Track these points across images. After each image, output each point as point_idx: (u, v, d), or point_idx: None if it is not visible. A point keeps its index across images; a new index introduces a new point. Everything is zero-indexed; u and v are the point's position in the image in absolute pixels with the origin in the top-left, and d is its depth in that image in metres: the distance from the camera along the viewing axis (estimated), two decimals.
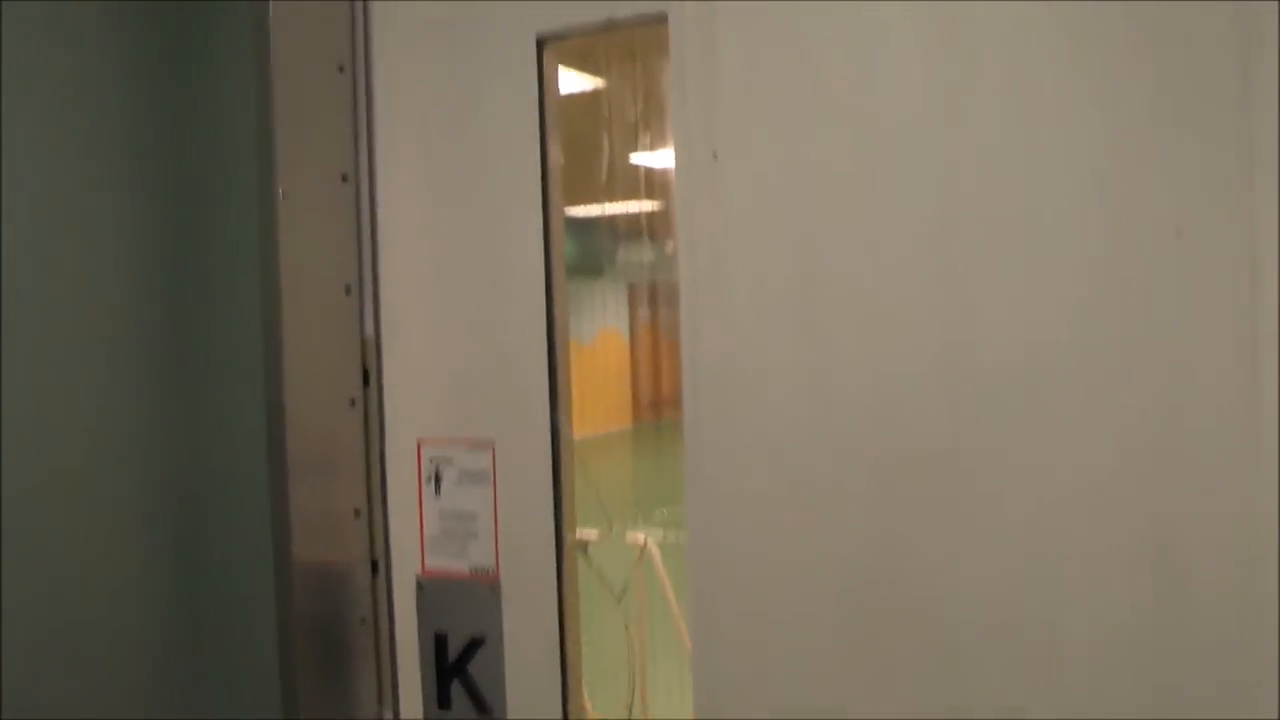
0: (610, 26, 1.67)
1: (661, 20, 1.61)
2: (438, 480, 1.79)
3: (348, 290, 1.81)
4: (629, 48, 1.74)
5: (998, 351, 1.42)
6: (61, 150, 1.72)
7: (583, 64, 1.94)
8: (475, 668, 1.77)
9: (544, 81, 1.72)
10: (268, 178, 1.71)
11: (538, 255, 1.71)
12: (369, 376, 1.83)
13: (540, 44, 1.71)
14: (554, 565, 1.71)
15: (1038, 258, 1.39)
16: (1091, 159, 1.37)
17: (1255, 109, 1.29)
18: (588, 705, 1.93)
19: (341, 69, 1.83)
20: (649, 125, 1.72)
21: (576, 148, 1.77)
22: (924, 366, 1.45)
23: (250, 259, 1.76)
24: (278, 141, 1.71)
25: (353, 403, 1.80)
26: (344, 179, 1.81)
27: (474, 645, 1.77)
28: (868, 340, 1.48)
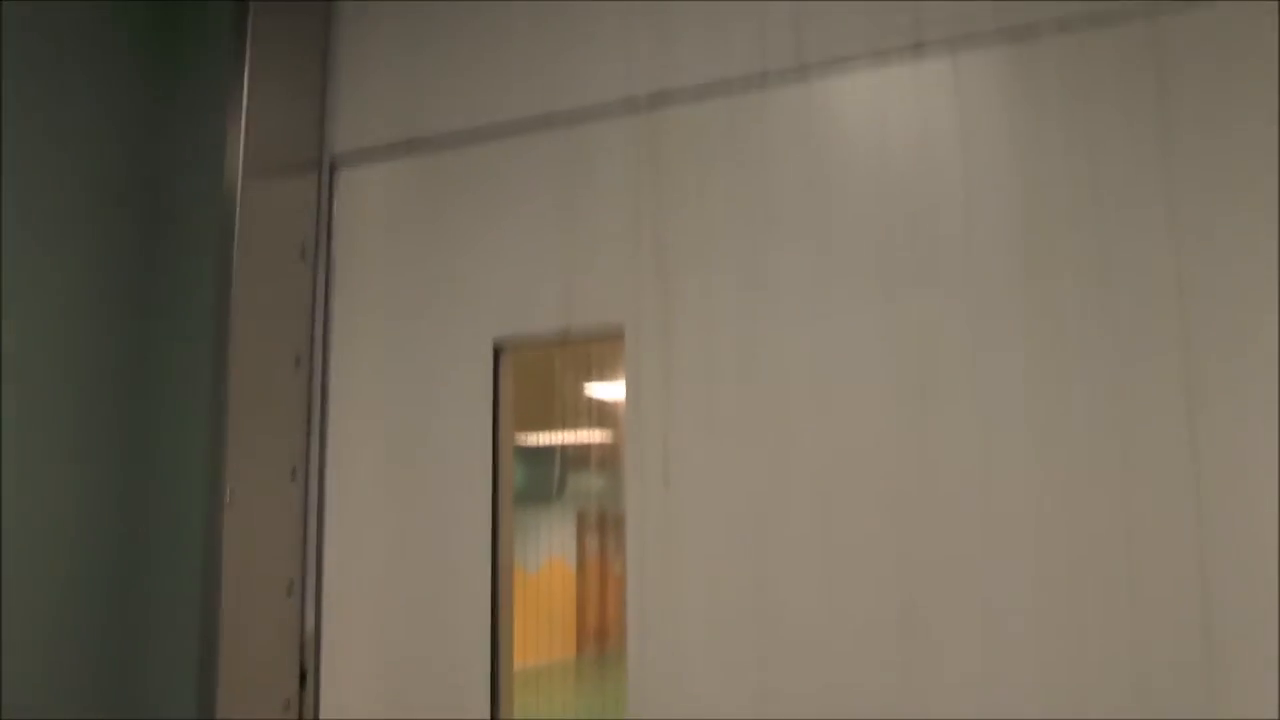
0: (565, 339, 1.74)
1: (618, 334, 1.68)
2: None
3: (289, 589, 1.80)
4: (585, 353, 1.81)
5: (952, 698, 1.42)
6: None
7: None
8: None
9: (499, 381, 1.79)
10: (218, 478, 1.71)
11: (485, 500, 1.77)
12: (305, 676, 1.79)
13: (497, 350, 1.79)
14: None
15: (995, 599, 1.42)
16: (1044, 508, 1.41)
17: (1203, 458, 1.35)
18: None
19: (298, 361, 1.87)
20: (603, 364, 1.78)
21: (528, 380, 1.85)
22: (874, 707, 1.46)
23: (194, 561, 1.75)
24: (229, 440, 1.72)
25: (287, 705, 1.75)
26: (293, 475, 1.82)
27: None
28: (816, 670, 1.49)
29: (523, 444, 1.87)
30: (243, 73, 1.90)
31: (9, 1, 1.78)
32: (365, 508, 1.85)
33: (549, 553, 1.96)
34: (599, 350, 1.80)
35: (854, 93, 1.61)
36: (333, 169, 2.02)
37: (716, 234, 1.66)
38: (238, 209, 1.83)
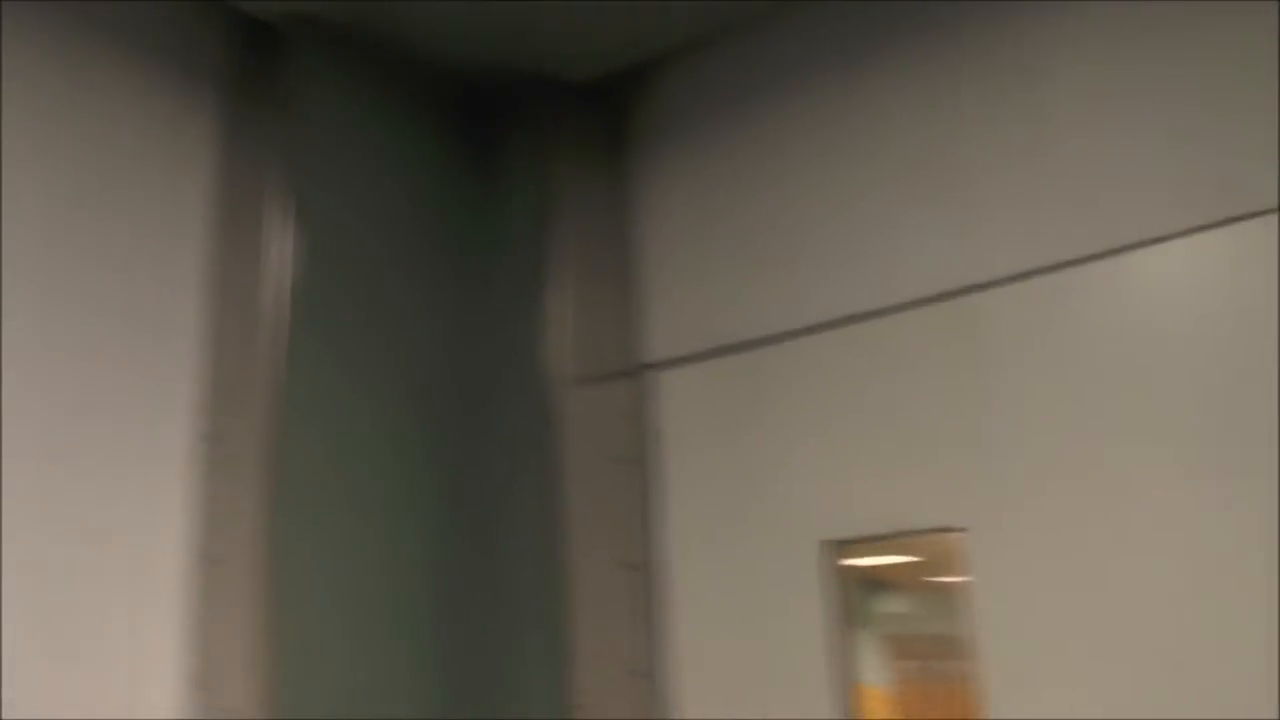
0: (896, 538, 1.78)
1: (949, 532, 1.71)
2: None
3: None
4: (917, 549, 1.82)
5: None
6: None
7: None
8: None
9: (831, 582, 1.82)
10: (563, 684, 1.88)
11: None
12: None
13: (827, 551, 1.83)
14: None
15: None
16: None
17: None
18: None
19: (632, 566, 1.98)
20: (936, 562, 1.80)
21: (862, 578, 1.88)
22: None
23: None
24: (573, 646, 1.89)
25: None
26: (635, 676, 1.94)
27: None
28: None
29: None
30: (564, 282, 2.04)
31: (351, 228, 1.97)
32: (710, 708, 1.90)
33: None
34: (931, 546, 1.81)
35: (1166, 267, 1.63)
36: (647, 374, 2.10)
37: (1038, 424, 1.67)
38: (563, 433, 1.97)
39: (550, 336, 2.03)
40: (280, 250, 1.81)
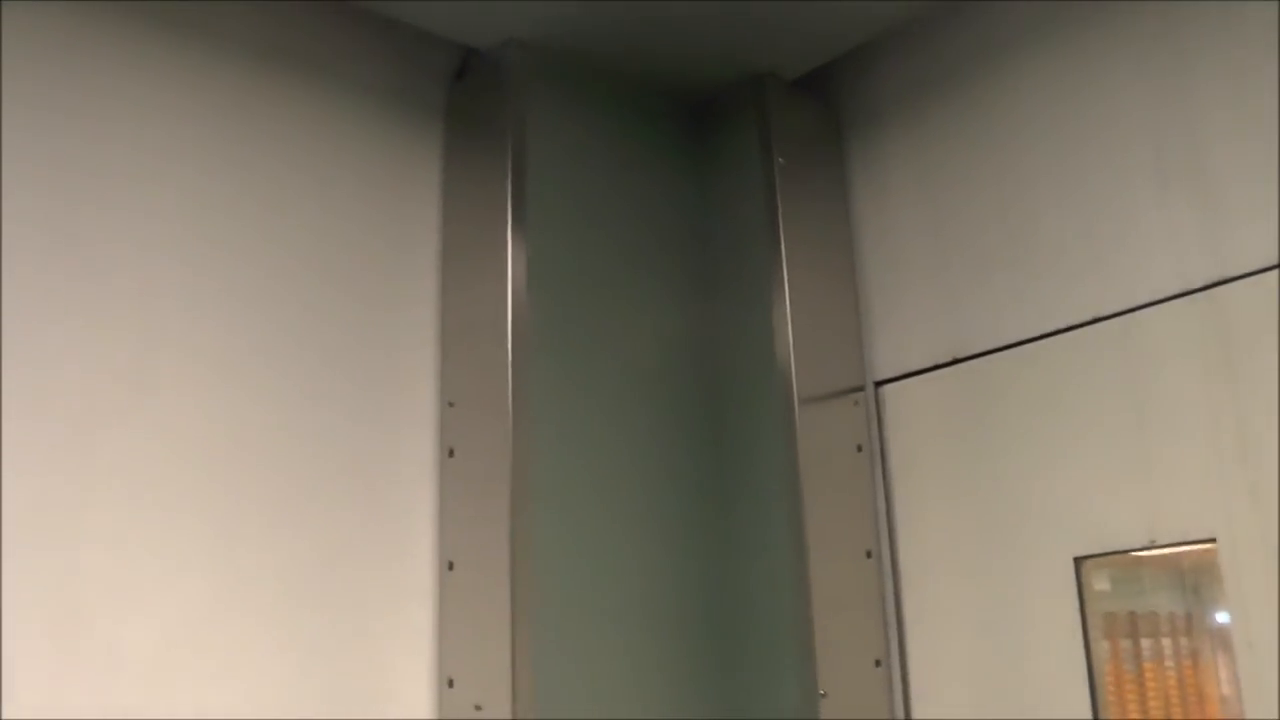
0: (1150, 551, 1.71)
1: (1208, 543, 1.63)
2: None
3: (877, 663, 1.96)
4: (1174, 563, 1.76)
5: None
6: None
7: None
8: None
9: (1083, 593, 1.77)
10: (809, 673, 1.89)
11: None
12: None
13: (1078, 563, 1.78)
14: None
15: None
16: None
17: None
18: None
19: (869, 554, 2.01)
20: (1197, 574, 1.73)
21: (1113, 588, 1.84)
22: None
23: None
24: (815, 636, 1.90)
25: None
26: (877, 664, 1.98)
27: None
28: None
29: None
30: (784, 302, 2.05)
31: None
32: (952, 703, 1.90)
33: None
34: (1191, 559, 1.74)
35: None
36: (878, 387, 2.10)
37: None
38: (797, 433, 1.98)
39: (779, 352, 2.03)
40: (512, 267, 1.87)
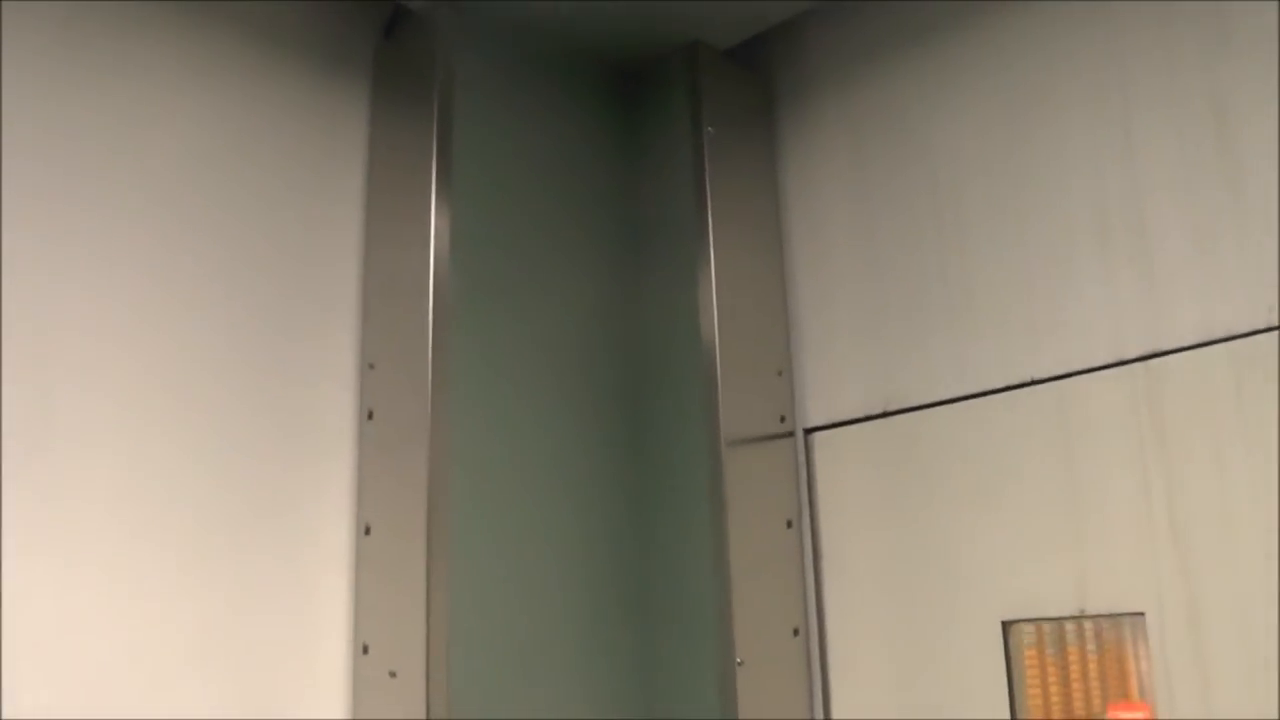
0: (1079, 621, 1.70)
1: (1136, 615, 1.63)
2: None
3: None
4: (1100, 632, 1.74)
5: None
6: None
7: None
8: None
9: (1010, 657, 1.76)
10: None
11: None
12: None
13: (1005, 628, 1.76)
14: None
15: None
16: None
17: None
18: None
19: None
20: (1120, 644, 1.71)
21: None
22: None
23: None
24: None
25: None
26: None
27: None
28: None
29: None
30: (709, 273, 2.02)
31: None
32: None
33: None
34: (1116, 630, 1.70)
35: None
36: (808, 435, 2.08)
37: (1232, 500, 1.55)
38: (719, 407, 1.96)
39: (703, 324, 2.02)
40: (435, 230, 1.84)
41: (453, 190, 1.88)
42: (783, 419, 2.06)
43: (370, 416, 1.85)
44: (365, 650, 1.74)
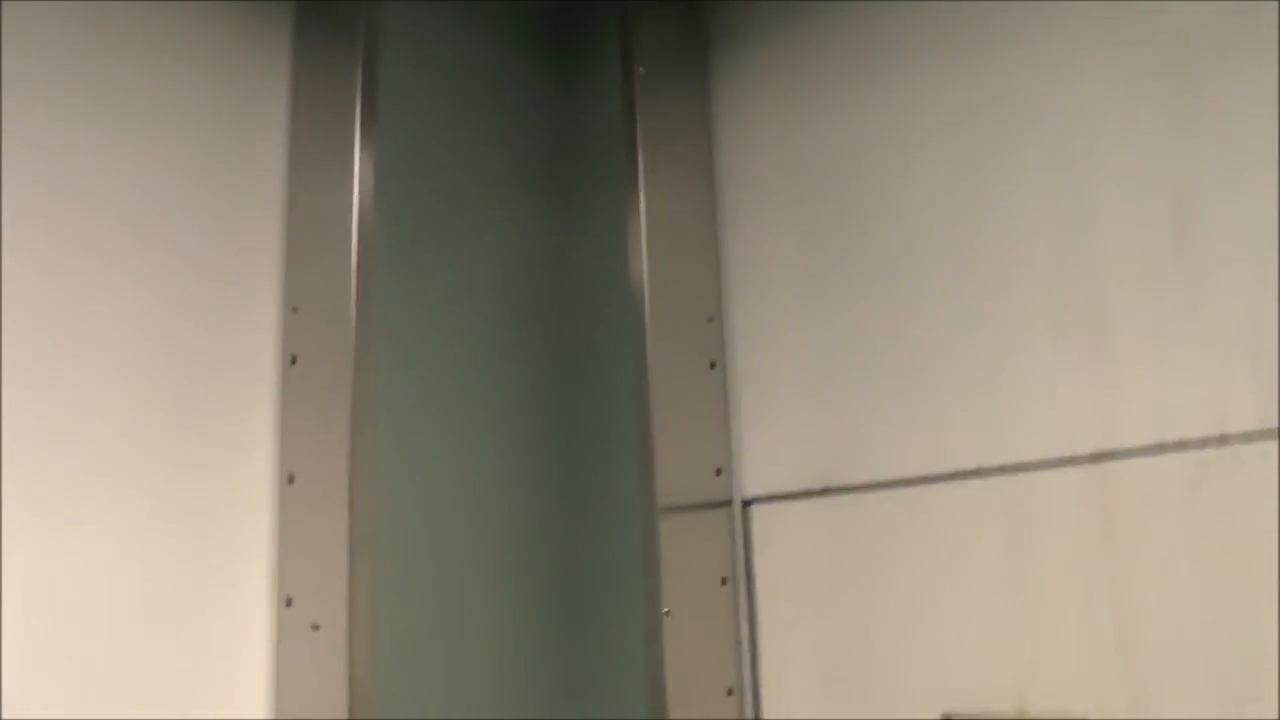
0: (1021, 717, 1.64)
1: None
2: None
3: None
4: None
5: None
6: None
7: None
8: None
9: None
10: None
11: None
12: None
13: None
14: None
15: None
16: None
17: None
18: None
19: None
20: None
21: None
22: None
23: None
24: None
25: None
26: None
27: None
28: None
29: None
30: (639, 220, 1.96)
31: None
32: None
33: None
34: None
35: None
36: (745, 506, 2.00)
37: (1184, 609, 1.49)
38: (647, 355, 1.91)
39: (632, 271, 1.95)
40: (359, 172, 1.79)
41: (377, 130, 1.83)
42: (718, 471, 2.00)
43: (293, 361, 1.81)
44: (289, 603, 1.72)
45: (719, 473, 1.99)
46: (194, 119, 1.79)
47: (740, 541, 2.00)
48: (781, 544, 1.96)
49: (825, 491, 1.91)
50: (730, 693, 1.92)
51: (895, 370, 1.85)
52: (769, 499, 1.99)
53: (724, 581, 1.96)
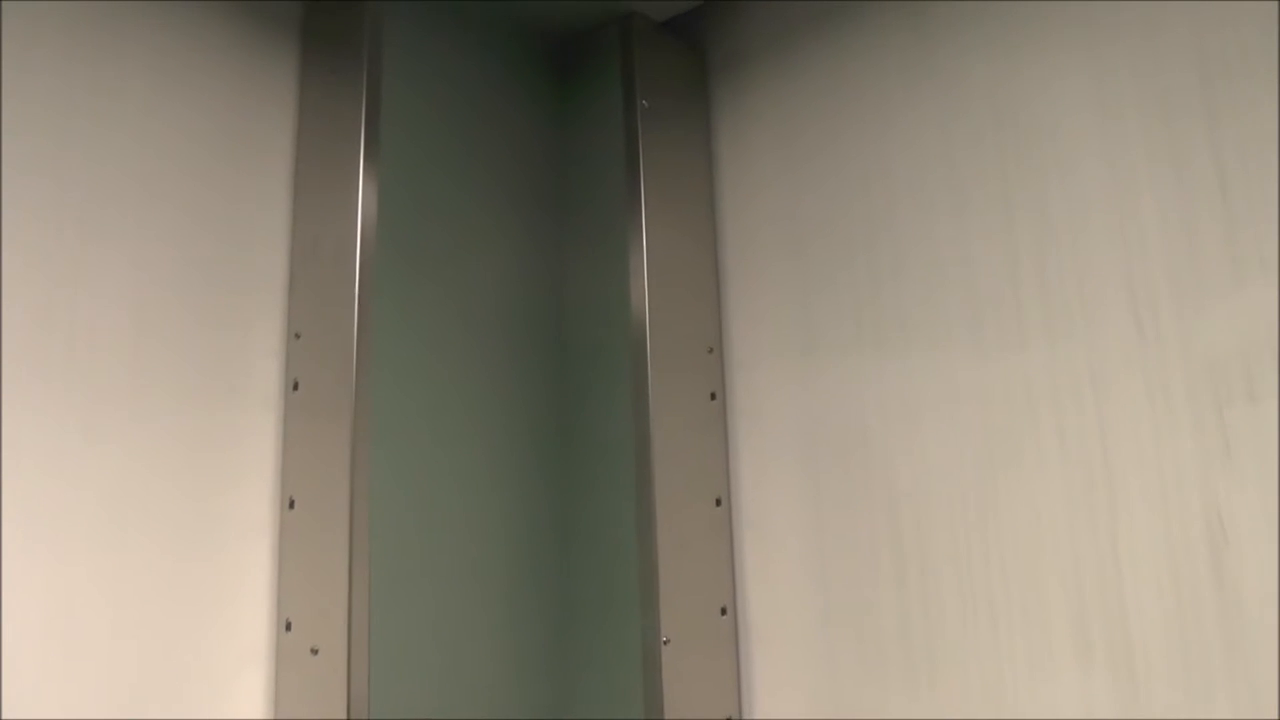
0: None
1: None
2: None
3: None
4: None
5: None
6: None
7: None
8: None
9: None
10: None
11: None
12: None
13: None
14: None
15: None
16: None
17: None
18: None
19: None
20: None
21: None
22: None
23: None
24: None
25: None
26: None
27: None
28: None
29: None
30: (641, 249, 1.99)
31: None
32: None
33: None
34: None
35: None
36: None
37: None
38: (649, 385, 1.94)
39: (633, 300, 1.98)
40: (363, 198, 1.81)
41: (381, 159, 1.85)
42: (718, 502, 2.04)
43: (295, 387, 1.83)
44: (288, 627, 1.73)
45: (719, 503, 2.00)
46: (199, 148, 1.82)
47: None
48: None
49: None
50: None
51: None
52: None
53: (724, 611, 1.98)
